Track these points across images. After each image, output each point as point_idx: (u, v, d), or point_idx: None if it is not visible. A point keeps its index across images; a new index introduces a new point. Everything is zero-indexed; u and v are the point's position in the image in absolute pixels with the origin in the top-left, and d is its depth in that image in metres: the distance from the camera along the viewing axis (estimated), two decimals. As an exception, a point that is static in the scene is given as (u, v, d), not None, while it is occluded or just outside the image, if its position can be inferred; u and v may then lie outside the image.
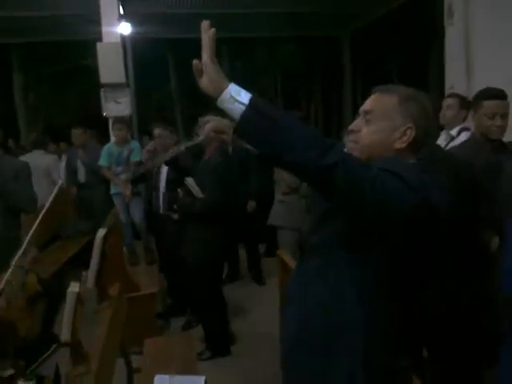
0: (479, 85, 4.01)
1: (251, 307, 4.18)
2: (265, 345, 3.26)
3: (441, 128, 3.60)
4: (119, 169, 4.90)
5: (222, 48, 14.39)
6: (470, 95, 3.85)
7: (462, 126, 3.46)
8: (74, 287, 1.71)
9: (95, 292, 2.42)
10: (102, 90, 5.98)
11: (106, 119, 6.08)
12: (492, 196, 2.29)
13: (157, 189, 3.88)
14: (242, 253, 5.03)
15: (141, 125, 8.37)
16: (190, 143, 3.83)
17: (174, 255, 3.53)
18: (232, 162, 4.17)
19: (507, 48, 4.24)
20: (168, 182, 3.79)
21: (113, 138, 5.28)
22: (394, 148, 1.28)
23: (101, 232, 2.37)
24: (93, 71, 6.28)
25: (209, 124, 1.52)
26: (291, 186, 3.85)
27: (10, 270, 1.77)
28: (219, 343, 3.31)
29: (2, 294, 1.67)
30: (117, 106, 6.07)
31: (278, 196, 3.97)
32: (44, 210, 1.72)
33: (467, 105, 3.46)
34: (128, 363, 2.54)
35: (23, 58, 13.98)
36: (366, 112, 1.31)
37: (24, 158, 5.59)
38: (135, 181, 4.34)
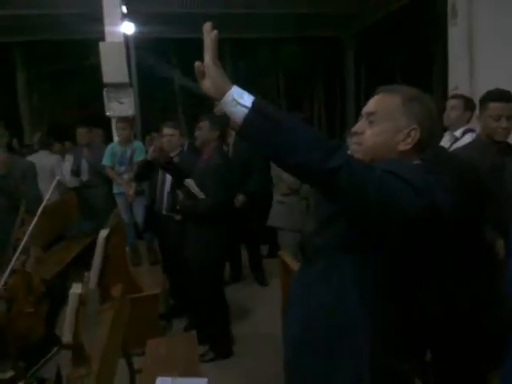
0: (483, 84, 4.01)
1: (254, 308, 4.17)
2: (267, 345, 3.25)
3: (445, 129, 3.58)
4: (122, 168, 4.90)
5: (224, 48, 14.39)
6: (474, 95, 3.84)
7: (466, 127, 3.44)
8: (75, 289, 1.70)
9: (97, 293, 2.42)
10: (105, 89, 5.98)
11: (109, 119, 6.09)
12: (497, 197, 2.28)
13: (161, 188, 3.87)
14: (245, 254, 5.02)
15: (144, 125, 8.38)
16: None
17: (176, 256, 3.52)
18: (233, 162, 4.17)
19: (511, 47, 4.22)
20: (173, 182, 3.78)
21: (116, 138, 5.29)
22: (398, 150, 1.26)
23: (103, 232, 2.37)
24: (96, 70, 6.27)
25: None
26: (292, 187, 3.84)
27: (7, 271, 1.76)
28: (222, 344, 3.30)
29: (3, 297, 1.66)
30: (120, 106, 6.07)
31: (276, 197, 3.95)
32: (40, 209, 1.71)
33: (471, 106, 3.45)
34: (130, 364, 2.53)
35: (26, 56, 14.01)
36: (369, 113, 1.30)
37: (30, 158, 5.63)
38: (139, 177, 4.26)
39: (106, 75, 5.95)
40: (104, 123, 6.61)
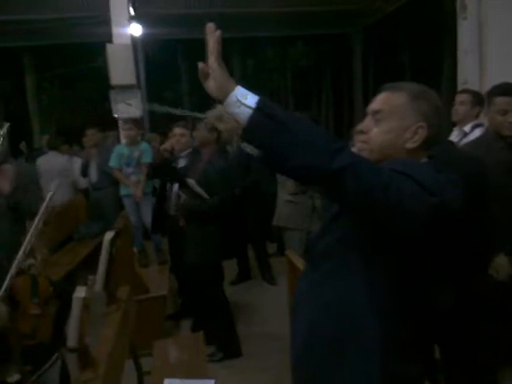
0: (492, 79, 3.95)
1: (262, 307, 4.16)
2: (275, 345, 3.23)
3: (453, 124, 3.53)
4: (130, 170, 4.89)
5: (232, 47, 14.39)
6: (483, 89, 3.78)
7: (475, 122, 3.39)
8: (79, 292, 1.70)
9: (104, 295, 2.42)
10: (112, 91, 6.00)
11: (117, 121, 6.12)
12: (503, 195, 2.26)
13: (171, 188, 3.85)
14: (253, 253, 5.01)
15: (152, 126, 8.40)
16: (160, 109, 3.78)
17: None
18: (236, 162, 4.16)
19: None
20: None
21: (123, 140, 5.30)
22: (405, 148, 1.23)
23: (108, 235, 2.36)
24: (105, 73, 6.30)
25: (211, 111, 1.45)
26: (300, 186, 3.81)
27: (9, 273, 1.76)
28: (229, 344, 3.29)
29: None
30: (127, 108, 6.09)
31: (283, 196, 3.92)
32: (41, 211, 1.70)
33: (480, 101, 3.40)
34: (138, 366, 2.53)
35: (35, 60, 14.12)
36: (375, 111, 1.27)
37: (40, 159, 5.74)
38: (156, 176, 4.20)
39: (113, 77, 5.97)
40: (113, 125, 6.64)
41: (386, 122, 1.25)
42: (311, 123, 1.13)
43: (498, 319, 2.34)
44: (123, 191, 5.04)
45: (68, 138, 7.12)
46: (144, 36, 8.17)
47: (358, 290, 1.22)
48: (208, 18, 7.72)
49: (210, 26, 1.09)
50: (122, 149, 5.01)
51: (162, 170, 3.48)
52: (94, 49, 10.25)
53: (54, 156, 5.64)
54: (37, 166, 5.66)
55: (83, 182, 5.78)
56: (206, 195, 3.02)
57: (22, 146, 7.20)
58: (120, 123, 5.79)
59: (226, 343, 3.29)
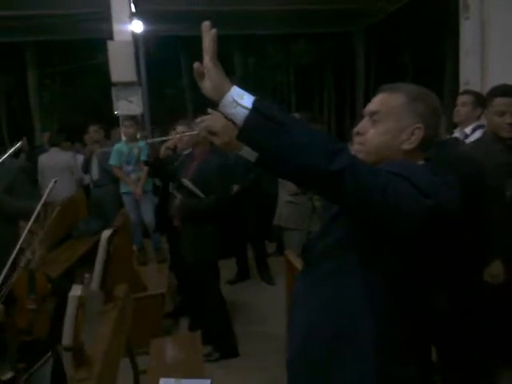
0: (494, 80, 3.93)
1: (260, 307, 4.15)
2: (273, 345, 3.23)
3: (455, 125, 3.52)
4: (129, 167, 4.89)
5: (234, 45, 14.38)
6: (485, 90, 3.77)
7: (476, 123, 3.38)
8: (74, 291, 1.69)
9: (101, 293, 2.41)
10: (113, 88, 5.99)
11: (118, 118, 6.11)
12: (501, 198, 2.26)
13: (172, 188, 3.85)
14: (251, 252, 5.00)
15: (153, 123, 8.37)
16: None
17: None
18: (233, 161, 4.15)
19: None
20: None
21: (123, 137, 5.28)
22: (402, 149, 1.23)
23: (105, 233, 2.35)
24: (105, 70, 6.29)
25: (203, 123, 1.43)
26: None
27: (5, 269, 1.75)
28: (226, 344, 3.28)
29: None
30: (128, 105, 6.08)
31: (284, 197, 3.91)
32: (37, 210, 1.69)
33: (482, 102, 3.38)
34: (134, 365, 2.52)
35: (37, 56, 14.12)
36: (372, 113, 1.26)
37: (42, 156, 5.77)
38: (154, 175, 4.15)
39: (114, 74, 5.95)
40: (114, 122, 6.63)
41: (383, 123, 1.24)
42: (310, 125, 1.12)
43: (494, 320, 2.33)
44: (123, 189, 5.04)
45: (70, 136, 7.12)
46: (145, 33, 8.14)
47: (355, 290, 1.22)
48: (209, 15, 7.70)
49: (206, 24, 1.07)
50: (121, 146, 5.00)
51: (154, 168, 3.47)
52: (96, 45, 10.25)
53: (56, 153, 5.65)
54: (39, 164, 5.69)
55: (87, 179, 5.79)
56: (201, 194, 3.01)
57: (23, 143, 7.19)
58: (121, 120, 5.78)
59: (222, 343, 3.28)
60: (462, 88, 4.75)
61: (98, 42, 8.50)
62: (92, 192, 5.64)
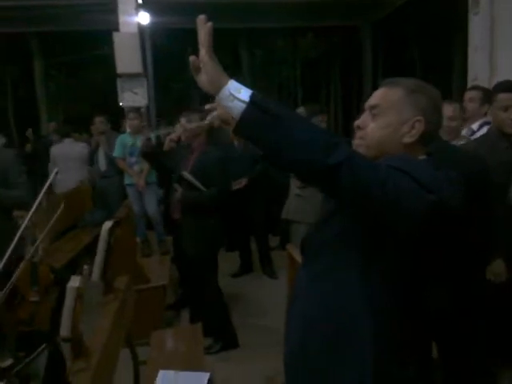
0: (503, 76, 3.88)
1: (262, 300, 4.15)
2: (274, 339, 3.22)
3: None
4: (133, 159, 4.88)
5: (241, 38, 14.31)
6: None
7: (483, 120, 3.34)
8: (73, 282, 1.69)
9: (102, 284, 2.41)
10: (119, 79, 5.98)
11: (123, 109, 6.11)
12: (505, 197, 2.23)
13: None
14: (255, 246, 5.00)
15: (159, 115, 8.36)
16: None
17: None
18: (240, 153, 4.12)
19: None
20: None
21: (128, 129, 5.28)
22: (402, 143, 1.21)
23: (106, 224, 2.35)
24: (111, 61, 6.28)
25: (214, 112, 1.43)
26: None
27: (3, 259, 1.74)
28: (226, 335, 3.28)
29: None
30: (133, 97, 6.08)
31: (293, 190, 3.90)
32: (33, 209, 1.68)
33: (490, 98, 3.34)
34: (134, 356, 2.52)
35: (44, 46, 14.13)
36: (372, 106, 1.25)
37: (55, 147, 5.85)
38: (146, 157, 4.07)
39: (119, 65, 5.96)
40: (119, 114, 6.63)
41: (383, 116, 1.23)
42: (307, 119, 1.13)
43: (495, 320, 2.31)
44: (127, 180, 5.05)
45: (76, 126, 7.14)
46: (152, 25, 8.11)
47: (354, 288, 1.20)
48: (217, 7, 7.67)
49: (201, 17, 1.06)
50: (125, 138, 5.00)
51: (149, 160, 3.45)
52: (102, 37, 10.23)
53: (69, 144, 5.70)
54: (51, 154, 5.76)
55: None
56: (202, 187, 3.00)
57: (29, 133, 7.22)
58: (126, 112, 5.77)
59: (222, 335, 3.29)
60: (470, 84, 4.69)
61: (104, 33, 8.48)
62: (97, 183, 5.65)
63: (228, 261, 4.99)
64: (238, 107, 1.04)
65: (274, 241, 5.32)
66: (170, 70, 14.47)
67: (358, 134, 1.27)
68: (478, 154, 2.26)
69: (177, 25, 10.11)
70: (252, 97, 1.04)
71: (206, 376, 2.20)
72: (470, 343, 2.22)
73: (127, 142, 4.93)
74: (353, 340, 1.21)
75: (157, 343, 2.67)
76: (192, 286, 3.43)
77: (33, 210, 1.90)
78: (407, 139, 1.21)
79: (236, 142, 4.48)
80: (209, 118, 1.55)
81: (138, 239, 4.84)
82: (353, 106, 15.53)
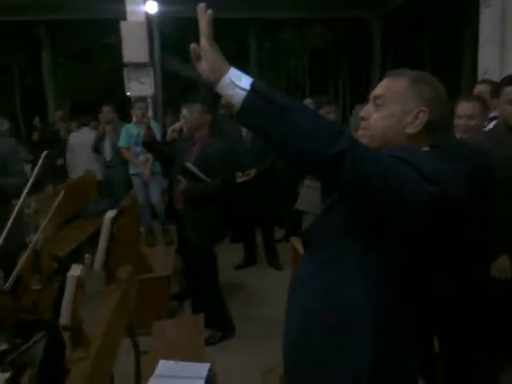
0: (513, 69, 3.82)
1: (266, 292, 4.15)
2: (277, 329, 3.21)
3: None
4: (138, 149, 4.87)
5: (249, 28, 14.22)
6: (502, 80, 3.66)
7: (492, 114, 3.29)
8: (74, 271, 1.69)
9: (103, 274, 2.41)
10: (125, 69, 5.96)
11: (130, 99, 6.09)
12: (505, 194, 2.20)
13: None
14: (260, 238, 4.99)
15: (167, 104, 8.33)
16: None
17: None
18: (249, 145, 4.10)
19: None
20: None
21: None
22: (406, 133, 1.21)
23: (109, 214, 2.35)
24: (119, 50, 6.26)
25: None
26: None
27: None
28: (223, 323, 3.30)
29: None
30: (140, 86, 6.07)
31: (305, 181, 3.89)
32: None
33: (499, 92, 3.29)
34: (135, 345, 2.53)
35: (52, 34, 14.10)
36: (376, 97, 1.25)
37: (73, 135, 6.04)
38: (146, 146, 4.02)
39: (126, 54, 5.94)
40: (126, 103, 6.60)
41: (387, 107, 1.23)
42: (308, 107, 1.11)
43: (498, 316, 2.30)
44: (132, 170, 5.05)
45: (82, 115, 7.14)
46: (160, 14, 8.07)
47: (355, 277, 1.20)
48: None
49: (201, 6, 1.06)
50: (130, 128, 4.99)
51: (149, 149, 3.44)
52: (110, 25, 10.20)
53: (86, 132, 5.73)
54: (69, 142, 5.86)
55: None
56: (206, 178, 2.99)
57: (36, 121, 7.23)
58: (132, 102, 5.76)
59: (220, 324, 3.30)
60: (480, 77, 4.63)
61: (112, 22, 8.46)
62: (103, 172, 5.66)
63: (233, 252, 4.99)
64: (239, 95, 1.03)
65: (279, 233, 5.30)
66: (177, 58, 14.40)
67: (362, 124, 1.27)
68: (483, 148, 2.23)
69: (185, 14, 10.05)
70: (253, 85, 1.03)
71: (206, 366, 2.20)
72: (470, 336, 2.21)
73: (132, 131, 4.92)
74: (353, 330, 1.20)
75: (158, 333, 2.67)
76: (193, 277, 3.44)
77: (20, 200, 1.89)
78: (411, 129, 1.20)
79: (244, 134, 4.46)
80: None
81: (143, 229, 4.84)
82: (361, 98, 15.42)
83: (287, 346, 1.39)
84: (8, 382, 1.26)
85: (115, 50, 8.03)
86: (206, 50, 1.06)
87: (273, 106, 1.02)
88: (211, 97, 3.37)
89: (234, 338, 3.37)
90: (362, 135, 1.26)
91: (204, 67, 1.08)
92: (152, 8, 7.28)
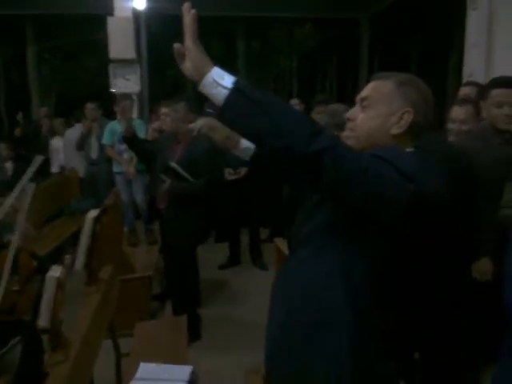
0: (499, 72, 3.84)
1: (250, 292, 4.12)
2: (259, 332, 3.19)
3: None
4: (122, 147, 4.79)
5: (238, 27, 14.19)
6: (488, 82, 3.68)
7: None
8: (54, 272, 1.65)
9: (85, 274, 2.36)
10: (111, 65, 5.88)
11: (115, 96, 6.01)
12: (491, 196, 2.21)
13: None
14: (246, 238, 4.96)
15: (153, 102, 8.24)
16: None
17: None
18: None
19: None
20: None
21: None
22: (391, 134, 1.22)
23: (92, 213, 2.31)
24: (106, 46, 6.18)
25: (202, 120, 1.56)
26: None
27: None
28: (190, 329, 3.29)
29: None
30: (126, 83, 5.99)
31: None
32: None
33: (485, 94, 3.31)
34: (116, 348, 2.49)
35: (38, 29, 13.92)
36: (363, 99, 1.27)
37: (68, 131, 5.93)
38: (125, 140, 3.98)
39: (112, 51, 5.86)
40: (111, 100, 6.52)
41: (373, 108, 1.24)
42: (290, 106, 1.12)
43: (479, 315, 2.30)
44: (116, 168, 4.97)
45: (66, 111, 7.06)
46: (148, 10, 7.97)
47: (337, 277, 1.21)
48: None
49: (186, 5, 1.07)
50: (115, 125, 4.90)
51: (130, 145, 3.39)
52: (97, 21, 10.07)
53: (79, 128, 5.66)
54: (65, 138, 5.89)
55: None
56: (190, 178, 2.95)
57: (19, 117, 7.12)
58: (117, 99, 5.68)
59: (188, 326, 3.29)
60: (465, 80, 4.66)
61: (100, 18, 8.35)
62: (87, 170, 5.58)
63: (217, 252, 4.96)
64: (221, 94, 1.04)
65: (263, 233, 5.28)
66: (165, 56, 14.31)
67: (348, 125, 1.30)
68: (465, 150, 2.24)
69: (173, 10, 9.96)
70: (235, 83, 1.04)
71: (188, 369, 2.17)
72: (460, 336, 2.21)
73: (117, 128, 4.83)
74: (335, 330, 1.21)
75: (140, 335, 2.63)
76: (173, 277, 3.40)
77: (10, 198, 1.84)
78: (395, 130, 1.22)
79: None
80: (197, 124, 1.58)
81: (126, 228, 4.78)
82: (348, 100, 15.48)
83: (269, 345, 1.39)
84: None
85: (102, 46, 7.94)
86: (189, 49, 1.07)
87: (254, 103, 1.02)
88: (197, 95, 3.31)
89: (217, 340, 3.34)
90: (349, 136, 1.28)
91: (188, 66, 1.09)
92: (140, 4, 7.19)
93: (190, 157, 3.01)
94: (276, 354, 1.34)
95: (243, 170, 4.36)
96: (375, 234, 1.16)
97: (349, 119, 1.29)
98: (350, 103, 1.35)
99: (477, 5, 4.81)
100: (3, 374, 1.30)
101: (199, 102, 3.14)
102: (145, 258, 3.91)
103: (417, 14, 11.73)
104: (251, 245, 4.87)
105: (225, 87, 1.04)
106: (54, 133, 6.51)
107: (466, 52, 4.94)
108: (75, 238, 4.33)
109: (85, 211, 4.83)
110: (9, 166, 5.52)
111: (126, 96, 5.24)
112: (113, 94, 6.18)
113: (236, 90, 1.03)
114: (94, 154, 5.34)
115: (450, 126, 2.59)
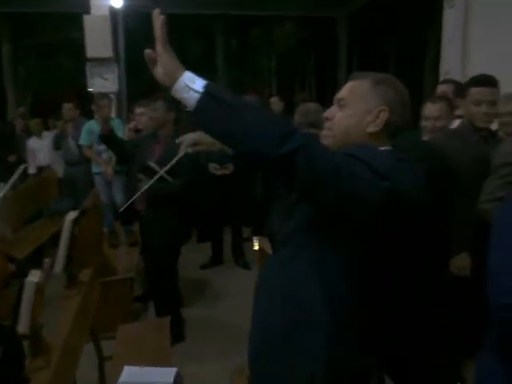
0: (476, 70, 3.89)
1: (232, 291, 4.13)
2: (243, 333, 3.18)
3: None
4: (101, 147, 4.71)
5: (217, 25, 14.12)
6: (466, 80, 3.73)
7: (456, 113, 3.34)
8: (32, 276, 1.61)
9: (64, 277, 2.32)
10: (88, 64, 5.79)
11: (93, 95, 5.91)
12: (469, 193, 2.23)
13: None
14: (228, 237, 4.94)
15: (131, 101, 8.15)
16: None
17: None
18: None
19: (507, 32, 4.09)
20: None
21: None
22: (367, 132, 1.23)
23: (71, 215, 2.26)
24: (83, 45, 6.07)
25: (192, 135, 1.55)
26: None
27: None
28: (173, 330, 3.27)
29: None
30: (103, 82, 5.91)
31: None
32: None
33: (463, 92, 3.34)
34: (99, 351, 2.45)
35: (13, 28, 13.62)
36: (340, 99, 1.28)
37: (45, 133, 6.00)
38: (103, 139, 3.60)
39: (89, 49, 5.78)
40: (88, 99, 6.41)
41: (350, 106, 1.26)
42: (261, 109, 1.14)
43: (460, 312, 2.33)
44: (95, 169, 4.89)
45: (42, 111, 6.93)
46: (125, 8, 7.87)
47: (313, 277, 1.22)
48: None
49: (156, 11, 1.09)
50: (92, 125, 4.81)
51: (107, 144, 3.35)
52: (74, 20, 9.91)
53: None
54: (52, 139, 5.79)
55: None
56: (169, 178, 2.91)
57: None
58: (95, 98, 5.59)
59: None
60: (442, 77, 4.71)
61: (75, 16, 8.22)
62: (65, 170, 5.49)
63: (199, 251, 4.93)
64: (192, 98, 1.06)
65: (245, 232, 5.28)
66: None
67: (326, 124, 1.30)
68: (441, 149, 2.26)
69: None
70: (206, 87, 1.05)
71: (172, 371, 2.14)
72: (444, 335, 2.23)
73: (94, 128, 4.75)
74: (312, 329, 1.22)
75: (123, 337, 2.60)
76: (153, 279, 3.37)
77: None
78: (371, 128, 1.23)
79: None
80: (182, 142, 1.57)
81: (106, 230, 4.71)
82: (327, 98, 15.52)
83: (252, 346, 1.40)
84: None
85: (79, 45, 7.82)
86: (160, 54, 1.09)
87: (225, 106, 1.03)
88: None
89: (200, 340, 3.32)
90: (327, 135, 1.29)
91: (159, 71, 1.10)
92: (117, 2, 7.09)
93: (169, 157, 2.98)
94: (259, 354, 1.35)
95: (230, 166, 4.35)
96: (349, 233, 1.17)
97: (326, 119, 1.30)
98: (329, 104, 1.36)
99: (454, 3, 4.88)
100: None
101: (178, 101, 3.11)
102: (126, 259, 3.87)
103: (394, 11, 11.84)
104: (233, 244, 4.86)
105: (196, 91, 1.05)
106: (29, 133, 6.39)
107: (442, 49, 5.01)
108: (54, 239, 4.26)
109: (64, 212, 4.75)
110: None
111: (104, 95, 5.14)
112: (90, 94, 6.09)
113: (207, 93, 1.04)
114: (71, 154, 5.25)
115: (423, 123, 2.61)
